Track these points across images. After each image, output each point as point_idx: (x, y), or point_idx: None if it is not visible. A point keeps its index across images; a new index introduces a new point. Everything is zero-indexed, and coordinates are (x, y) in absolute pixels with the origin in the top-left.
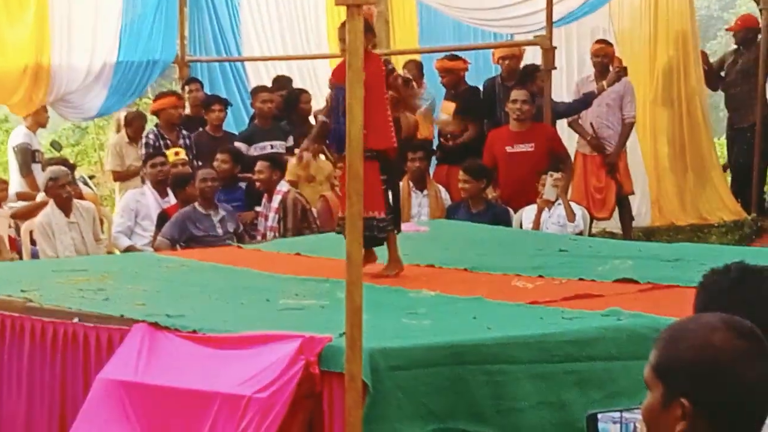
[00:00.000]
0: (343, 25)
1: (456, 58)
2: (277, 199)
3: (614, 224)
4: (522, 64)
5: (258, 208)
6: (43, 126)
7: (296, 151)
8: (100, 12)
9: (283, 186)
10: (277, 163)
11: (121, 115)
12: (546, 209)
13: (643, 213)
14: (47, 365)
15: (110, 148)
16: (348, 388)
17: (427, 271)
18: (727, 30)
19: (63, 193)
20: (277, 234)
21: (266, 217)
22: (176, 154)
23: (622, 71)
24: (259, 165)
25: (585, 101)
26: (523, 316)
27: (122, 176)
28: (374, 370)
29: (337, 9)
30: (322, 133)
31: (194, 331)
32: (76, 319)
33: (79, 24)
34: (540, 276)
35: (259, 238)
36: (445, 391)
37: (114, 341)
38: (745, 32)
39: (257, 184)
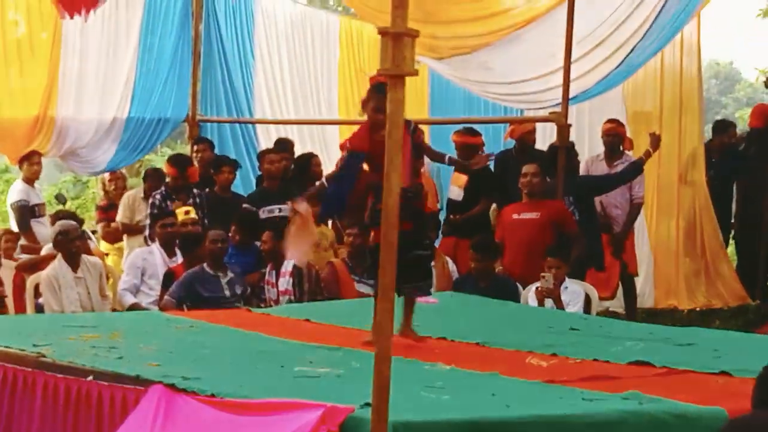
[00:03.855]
0: (369, 94)
1: (475, 133)
2: (290, 263)
3: (617, 303)
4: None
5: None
6: (36, 178)
7: None
8: (113, 66)
9: None
10: (279, 233)
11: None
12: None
13: (646, 294)
14: (59, 422)
15: (124, 199)
16: None
17: (440, 343)
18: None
19: (72, 247)
20: (292, 298)
21: (273, 285)
22: (186, 213)
23: (659, 139)
24: (265, 235)
25: (635, 169)
26: (542, 395)
27: (129, 230)
28: None
29: (349, 77)
30: (318, 195)
31: (212, 395)
32: (90, 377)
33: (91, 77)
34: (553, 354)
35: (272, 305)
36: None
37: (128, 402)
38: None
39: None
